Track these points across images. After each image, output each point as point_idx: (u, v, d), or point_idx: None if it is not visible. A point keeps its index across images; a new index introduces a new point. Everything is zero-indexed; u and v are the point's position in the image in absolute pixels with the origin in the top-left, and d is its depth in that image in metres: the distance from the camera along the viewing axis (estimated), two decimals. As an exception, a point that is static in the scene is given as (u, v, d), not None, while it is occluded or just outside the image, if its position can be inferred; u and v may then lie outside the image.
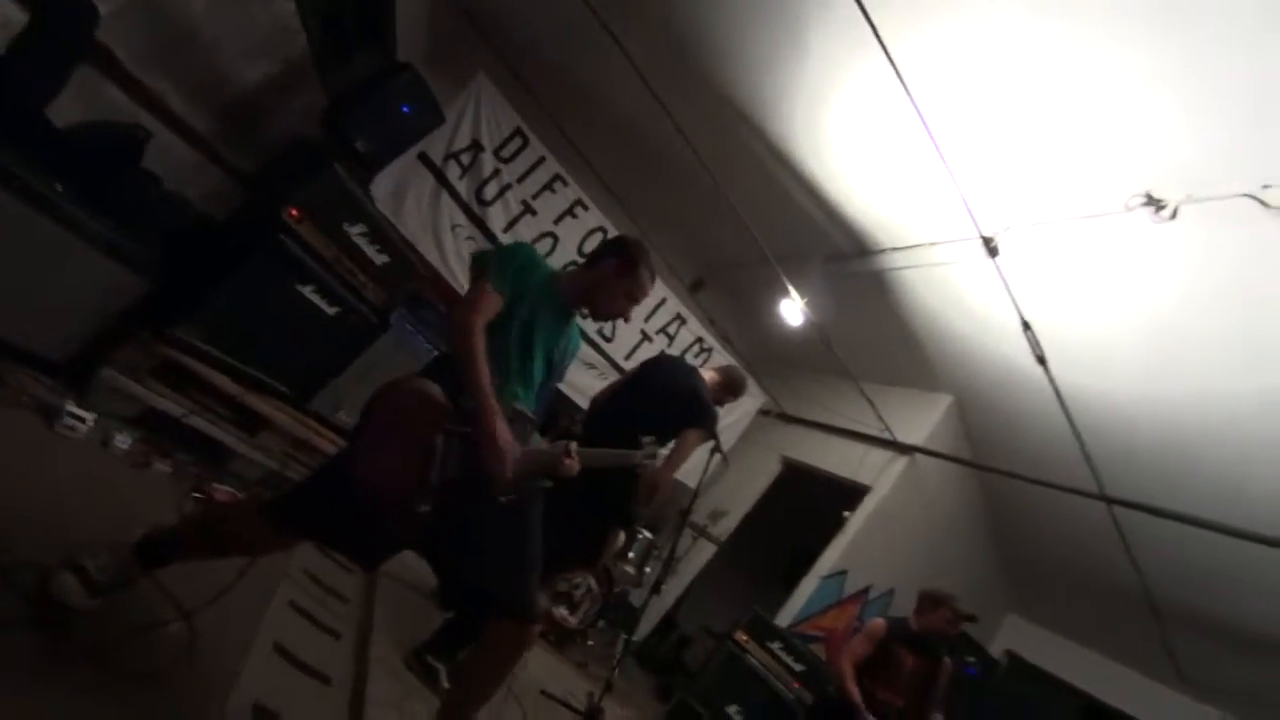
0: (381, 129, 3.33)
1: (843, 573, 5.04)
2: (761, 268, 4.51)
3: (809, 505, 5.63)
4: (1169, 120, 2.62)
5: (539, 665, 3.11)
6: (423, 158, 4.02)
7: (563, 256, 4.62)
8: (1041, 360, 3.69)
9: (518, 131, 4.33)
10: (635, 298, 1.87)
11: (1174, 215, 2.85)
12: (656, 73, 3.52)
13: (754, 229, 4.10)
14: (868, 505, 5.10)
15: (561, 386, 4.39)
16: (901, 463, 5.16)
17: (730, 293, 6.12)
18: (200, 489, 2.43)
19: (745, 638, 4.13)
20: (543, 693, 2.90)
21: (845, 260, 4.62)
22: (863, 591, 5.24)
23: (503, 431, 1.46)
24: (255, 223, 2.79)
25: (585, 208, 4.69)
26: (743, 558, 6.38)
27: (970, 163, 3.23)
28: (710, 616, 5.76)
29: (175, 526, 1.59)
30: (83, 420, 2.19)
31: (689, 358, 5.39)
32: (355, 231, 2.95)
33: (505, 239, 4.39)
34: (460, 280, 4.23)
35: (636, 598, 4.84)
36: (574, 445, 1.61)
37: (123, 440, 2.31)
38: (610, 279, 1.82)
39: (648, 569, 4.54)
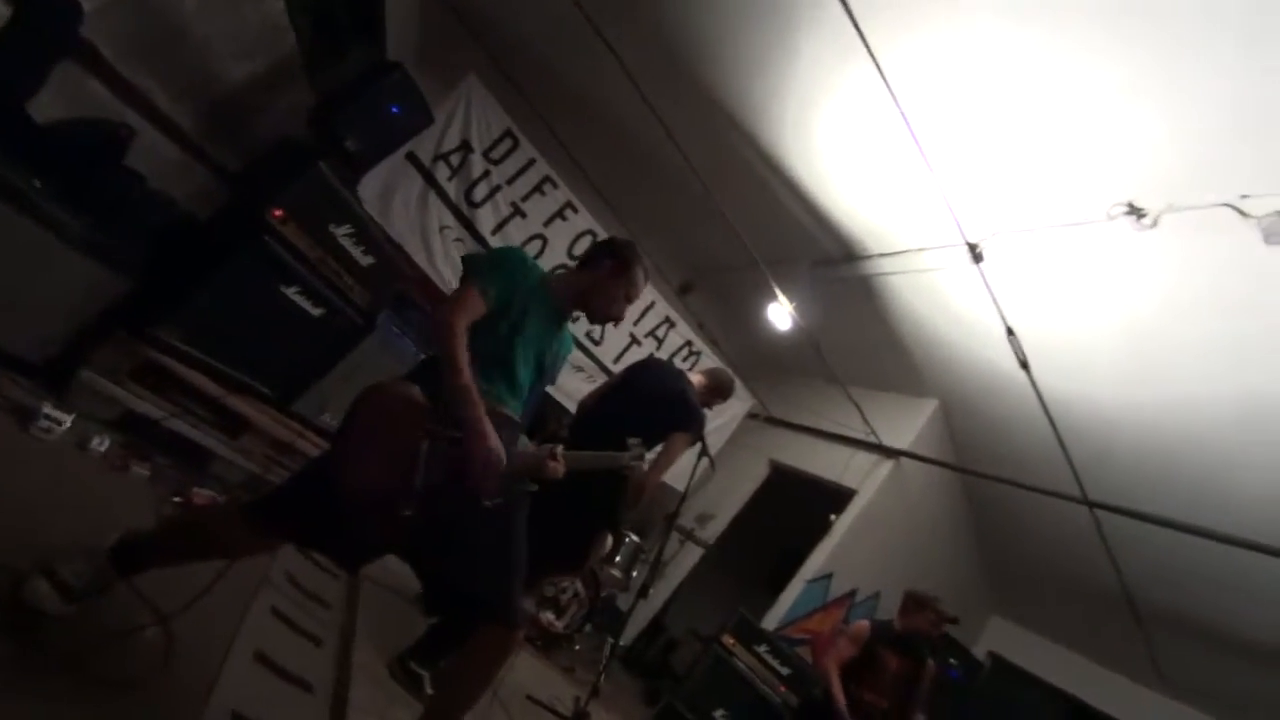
0: (370, 129, 3.31)
1: (829, 576, 5.07)
2: (750, 272, 4.54)
3: (796, 508, 5.65)
4: (1150, 132, 2.67)
5: (525, 670, 3.09)
6: (411, 158, 4.00)
7: (552, 259, 4.61)
8: (1025, 366, 3.73)
9: (508, 133, 4.32)
10: (631, 298, 1.88)
11: (1155, 224, 2.90)
12: (647, 76, 3.53)
13: (742, 233, 4.12)
14: (854, 509, 5.13)
15: (549, 390, 4.38)
16: (887, 466, 5.20)
17: (719, 296, 6.14)
18: (180, 493, 2.39)
19: (732, 641, 4.13)
20: (529, 698, 2.89)
21: (833, 265, 4.65)
22: (849, 594, 5.27)
23: (490, 431, 1.45)
24: (239, 223, 2.76)
25: (575, 210, 4.68)
26: (730, 561, 6.39)
27: (956, 170, 3.27)
28: (698, 620, 5.76)
29: (153, 530, 1.56)
30: (60, 422, 2.15)
31: (678, 361, 5.40)
32: (341, 232, 2.92)
33: (494, 241, 4.37)
34: (448, 282, 4.21)
35: (624, 602, 4.83)
36: (559, 448, 1.61)
37: (100, 443, 2.27)
38: (607, 281, 1.82)
39: (635, 573, 4.53)
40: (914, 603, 3.32)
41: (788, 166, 4.11)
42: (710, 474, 4.18)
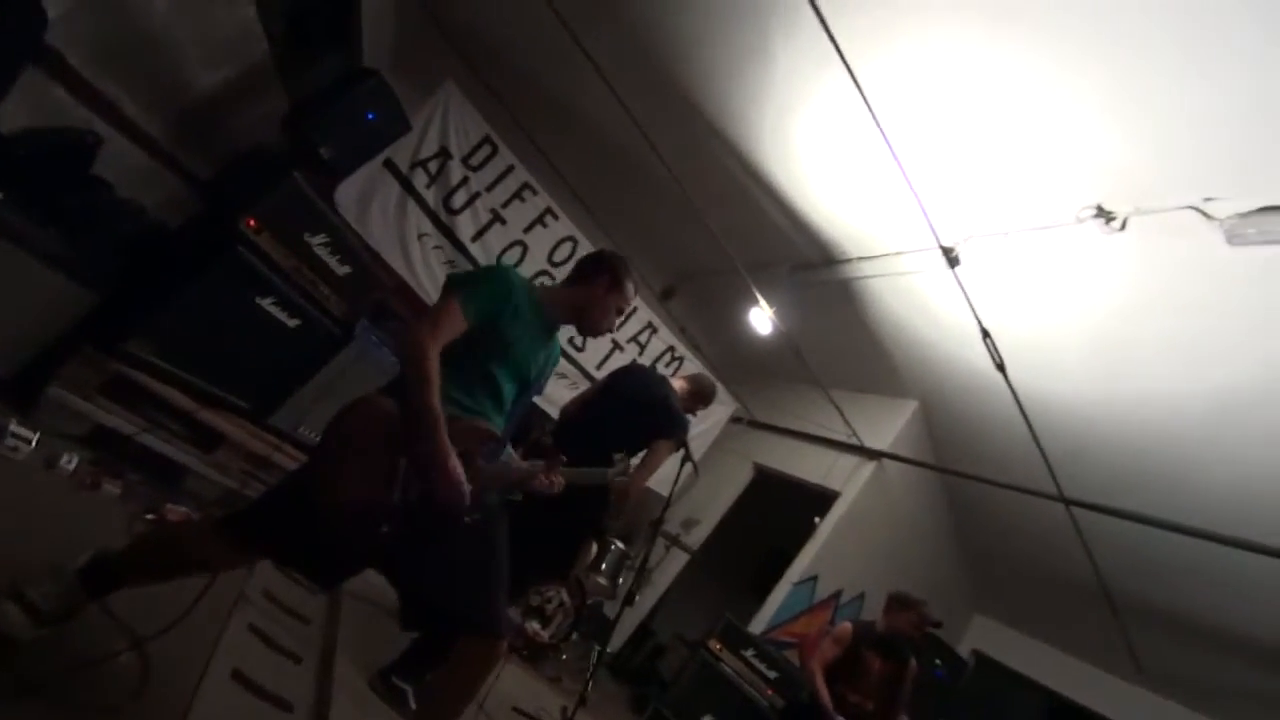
0: (346, 136, 3.28)
1: (814, 578, 5.09)
2: (731, 277, 4.57)
3: (780, 511, 5.69)
4: (1118, 138, 2.74)
5: (511, 681, 3.05)
6: (389, 165, 3.96)
7: (532, 266, 4.60)
8: (1001, 367, 3.80)
9: (486, 139, 4.30)
10: (621, 310, 1.92)
11: (1123, 226, 2.97)
12: (625, 82, 3.54)
13: (723, 239, 4.14)
14: (837, 510, 5.17)
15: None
16: (869, 468, 5.25)
17: (701, 301, 6.16)
18: (153, 510, 2.33)
19: (718, 646, 4.14)
20: (515, 710, 2.86)
21: (813, 269, 4.70)
22: (834, 596, 5.30)
23: (452, 458, 1.41)
24: (212, 233, 2.71)
25: (555, 216, 4.67)
26: (716, 565, 6.39)
27: (931, 176, 3.32)
28: (685, 625, 5.75)
29: (125, 548, 1.51)
30: (27, 440, 2.09)
31: (660, 366, 5.40)
32: (316, 242, 2.89)
33: (474, 248, 4.35)
34: (426, 290, 4.17)
35: (610, 609, 4.80)
36: (553, 466, 1.61)
37: (69, 460, 2.21)
38: (603, 296, 1.85)
39: (621, 580, 4.52)
40: (897, 603, 3.35)
41: (767, 172, 4.14)
42: (694, 479, 4.19)
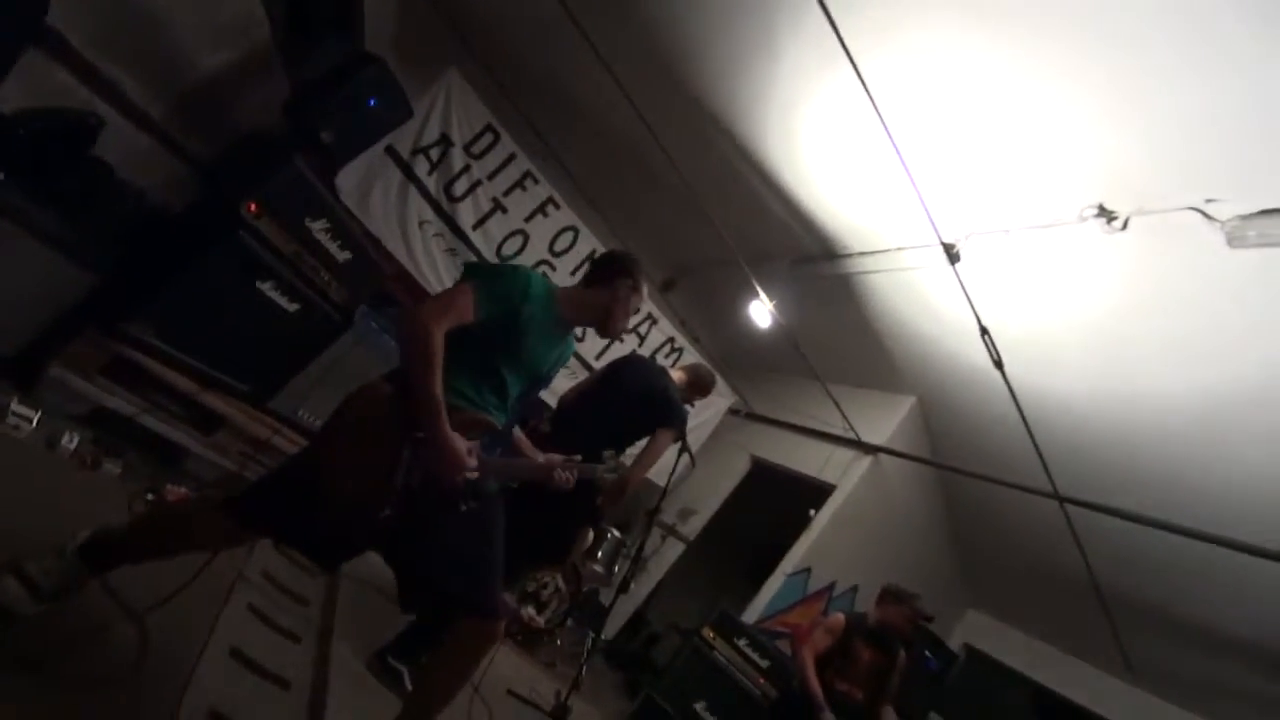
0: (347, 122, 3.25)
1: (807, 570, 5.13)
2: (732, 269, 4.56)
3: (776, 504, 5.71)
4: (1121, 138, 2.73)
5: (506, 665, 3.09)
6: (390, 151, 3.95)
7: (533, 255, 4.60)
8: (999, 364, 3.80)
9: (488, 127, 4.28)
10: (638, 310, 2.04)
11: (1124, 226, 2.97)
12: (630, 73, 3.53)
13: (724, 231, 4.14)
14: (832, 503, 5.20)
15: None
16: (865, 462, 5.27)
17: (701, 293, 6.16)
18: (153, 490, 2.35)
19: (712, 634, 4.17)
20: (509, 692, 2.89)
21: (814, 263, 4.70)
22: (827, 588, 5.34)
23: (453, 438, 1.44)
24: (213, 217, 2.71)
25: (557, 206, 4.67)
26: (711, 555, 6.43)
27: (934, 172, 3.32)
28: (679, 614, 5.80)
29: (126, 526, 1.54)
30: (28, 419, 2.11)
31: (659, 358, 5.42)
32: (317, 227, 2.89)
33: (475, 236, 4.35)
34: (427, 278, 4.18)
35: (605, 597, 4.85)
36: (565, 459, 1.71)
37: (70, 439, 2.23)
38: (625, 299, 1.89)
39: (616, 568, 4.55)
40: (890, 597, 3.38)
41: (770, 166, 4.13)
42: (691, 470, 4.21)
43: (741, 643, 4.14)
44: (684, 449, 3.09)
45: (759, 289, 4.43)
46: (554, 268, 4.71)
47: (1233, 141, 2.49)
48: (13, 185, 2.09)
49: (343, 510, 1.44)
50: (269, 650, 1.88)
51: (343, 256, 3.04)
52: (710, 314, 6.21)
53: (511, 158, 4.40)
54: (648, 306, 5.39)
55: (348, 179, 3.76)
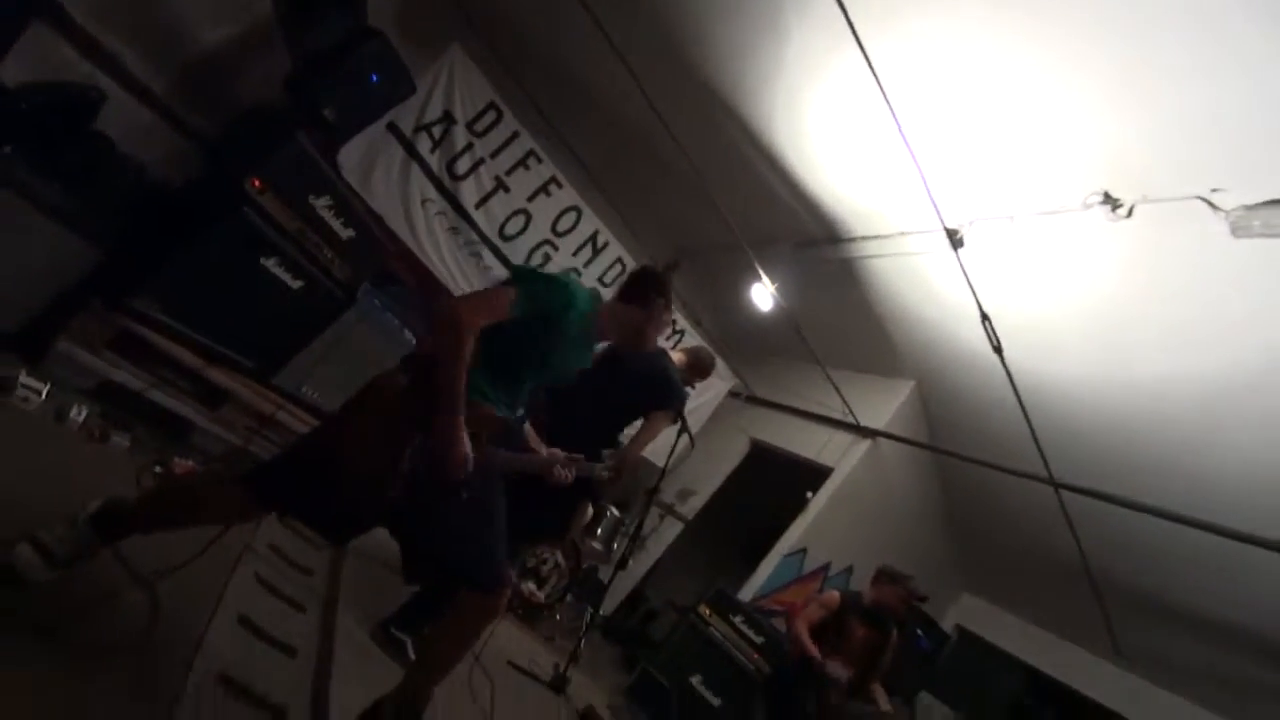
0: (349, 98, 3.23)
1: (803, 550, 5.20)
2: (735, 252, 4.55)
3: (774, 485, 5.77)
4: (1127, 126, 2.71)
5: (507, 639, 3.16)
6: (392, 129, 3.92)
7: (535, 235, 4.59)
8: (998, 350, 3.81)
9: (491, 105, 4.24)
10: (669, 325, 2.05)
11: (1129, 214, 2.96)
12: (636, 54, 3.49)
13: (728, 213, 4.13)
14: (830, 486, 5.25)
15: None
16: (864, 445, 5.31)
17: (703, 275, 6.15)
18: (161, 462, 2.39)
19: (709, 611, 4.25)
20: (510, 663, 2.96)
21: (816, 246, 4.68)
22: (823, 568, 5.42)
23: (463, 439, 1.52)
24: (217, 193, 2.72)
25: (560, 185, 4.64)
26: (709, 535, 6.51)
27: (939, 157, 3.30)
28: (677, 592, 5.89)
29: (139, 496, 1.59)
30: (37, 392, 2.14)
31: (660, 339, 5.42)
32: (320, 204, 2.90)
33: (477, 215, 4.33)
34: (430, 257, 4.18)
35: (604, 573, 4.93)
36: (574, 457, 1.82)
37: (79, 412, 2.26)
38: (659, 316, 1.97)
39: (615, 545, 4.62)
40: (885, 577, 3.44)
41: (776, 149, 4.10)
42: (690, 451, 4.24)
43: (737, 619, 4.22)
44: (683, 430, 3.12)
45: (761, 272, 4.43)
46: (556, 248, 4.70)
47: (1240, 130, 2.47)
48: (17, 158, 2.10)
49: (355, 491, 1.53)
50: (276, 619, 1.93)
51: (346, 234, 3.05)
52: (713, 297, 6.21)
53: (514, 136, 4.37)
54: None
55: (350, 156, 3.74)
